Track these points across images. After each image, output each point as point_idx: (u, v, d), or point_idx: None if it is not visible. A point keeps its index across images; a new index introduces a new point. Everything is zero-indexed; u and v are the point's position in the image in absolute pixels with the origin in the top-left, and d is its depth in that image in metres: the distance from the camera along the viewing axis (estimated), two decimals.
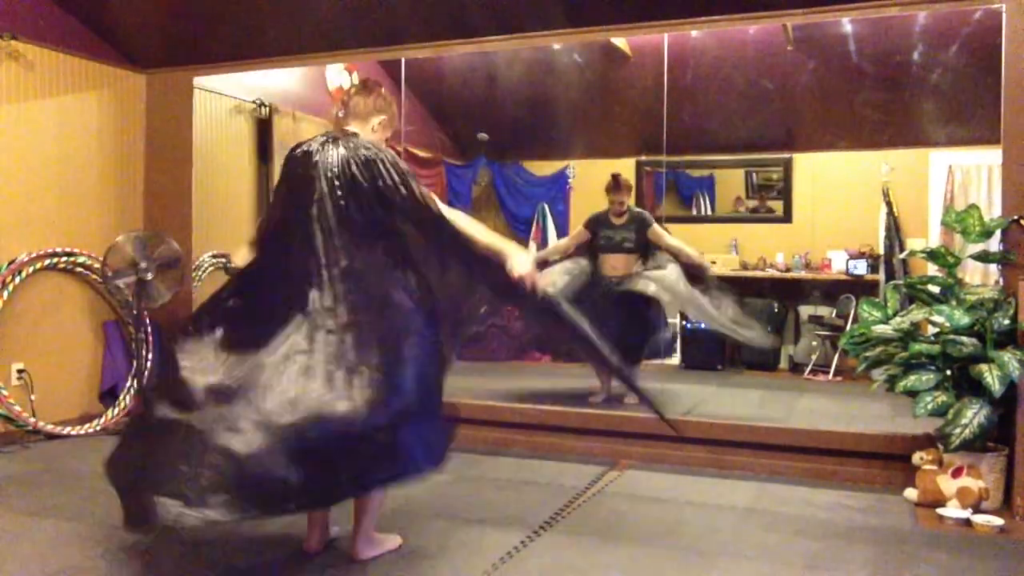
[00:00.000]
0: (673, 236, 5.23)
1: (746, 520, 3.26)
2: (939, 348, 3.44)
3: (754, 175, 7.51)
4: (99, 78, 5.08)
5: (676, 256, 5.08)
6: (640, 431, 4.18)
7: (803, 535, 3.08)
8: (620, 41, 6.00)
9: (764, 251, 7.08)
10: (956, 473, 3.35)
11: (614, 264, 5.14)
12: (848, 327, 5.97)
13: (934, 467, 3.46)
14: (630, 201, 5.25)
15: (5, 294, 4.46)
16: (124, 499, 2.52)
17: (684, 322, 6.95)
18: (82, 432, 4.67)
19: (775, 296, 6.90)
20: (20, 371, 4.57)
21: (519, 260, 2.70)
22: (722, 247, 7.21)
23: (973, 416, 3.28)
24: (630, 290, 5.00)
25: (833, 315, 6.66)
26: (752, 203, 7.42)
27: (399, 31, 4.74)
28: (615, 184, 5.15)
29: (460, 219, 2.76)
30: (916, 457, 3.55)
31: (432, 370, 2.66)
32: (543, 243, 7.48)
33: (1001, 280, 3.67)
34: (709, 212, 7.56)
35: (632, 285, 5.04)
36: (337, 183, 2.63)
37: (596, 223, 5.22)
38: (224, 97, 5.58)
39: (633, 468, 4.03)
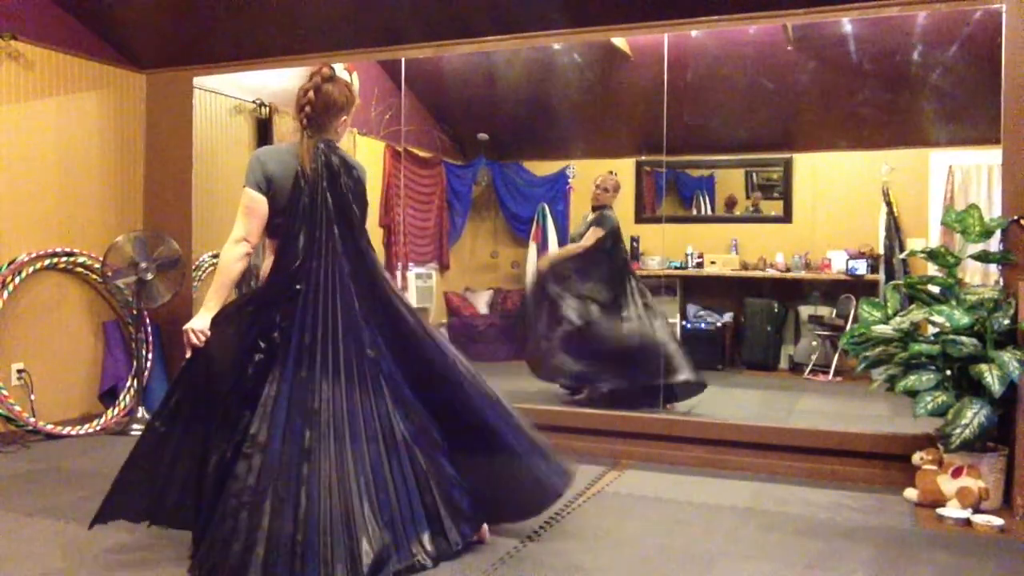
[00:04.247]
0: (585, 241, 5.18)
1: (746, 520, 3.26)
2: (939, 348, 3.44)
3: (754, 175, 7.51)
4: (99, 78, 5.08)
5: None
6: (640, 431, 4.18)
7: (803, 535, 3.08)
8: (620, 41, 6.00)
9: (764, 251, 7.08)
10: (956, 473, 3.35)
11: None
12: (848, 327, 5.97)
13: (934, 467, 3.46)
14: (610, 199, 5.32)
15: (5, 294, 4.46)
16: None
17: (684, 322, 6.95)
18: (82, 432, 4.67)
19: (775, 296, 6.90)
20: (20, 371, 4.57)
21: None
22: (722, 247, 7.21)
23: (973, 416, 3.28)
24: None
25: (833, 315, 6.66)
26: (749, 203, 7.43)
27: (399, 31, 4.74)
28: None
29: None
30: (916, 457, 3.55)
31: None
32: (543, 243, 7.47)
33: (1001, 280, 3.67)
34: (709, 212, 7.56)
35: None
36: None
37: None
38: (224, 97, 5.57)
39: (633, 468, 4.02)
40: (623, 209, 7.53)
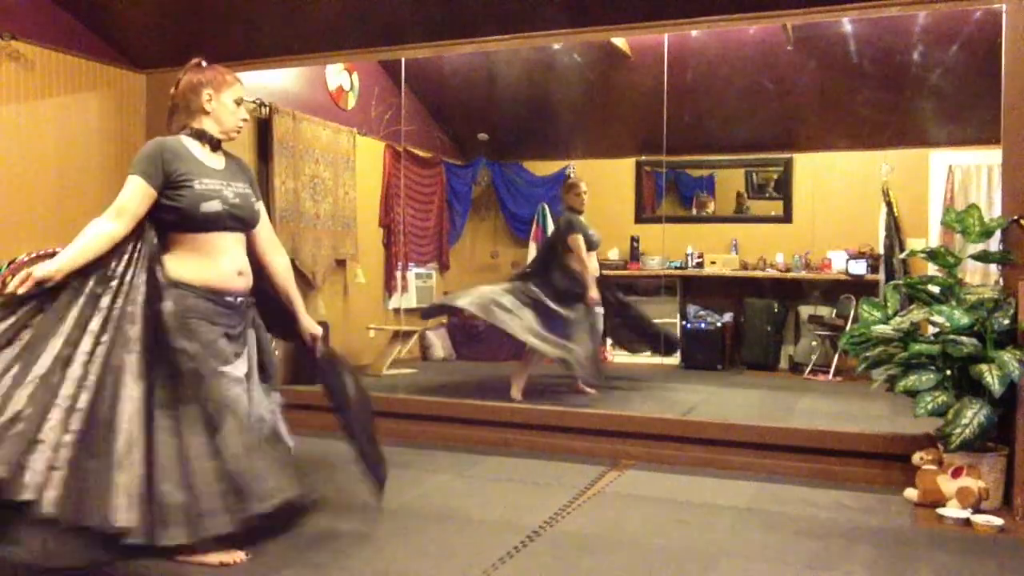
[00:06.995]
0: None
1: (746, 520, 3.26)
2: (939, 348, 3.44)
3: (754, 175, 7.52)
4: (99, 78, 5.08)
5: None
6: (640, 431, 4.18)
7: (803, 535, 3.08)
8: (620, 41, 6.00)
9: (764, 251, 7.09)
10: (956, 473, 3.35)
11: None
12: (848, 327, 5.97)
13: (934, 467, 3.46)
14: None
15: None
16: None
17: (684, 322, 6.95)
18: None
19: (775, 296, 6.90)
20: None
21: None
22: (722, 247, 7.22)
23: (973, 416, 3.28)
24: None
25: (833, 315, 6.66)
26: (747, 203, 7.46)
27: (399, 31, 4.74)
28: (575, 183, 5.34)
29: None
30: (916, 457, 3.55)
31: None
32: (543, 243, 7.48)
33: (1001, 280, 3.67)
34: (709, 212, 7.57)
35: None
36: None
37: (583, 226, 5.21)
38: None
39: (633, 468, 4.03)
40: (624, 209, 7.56)
